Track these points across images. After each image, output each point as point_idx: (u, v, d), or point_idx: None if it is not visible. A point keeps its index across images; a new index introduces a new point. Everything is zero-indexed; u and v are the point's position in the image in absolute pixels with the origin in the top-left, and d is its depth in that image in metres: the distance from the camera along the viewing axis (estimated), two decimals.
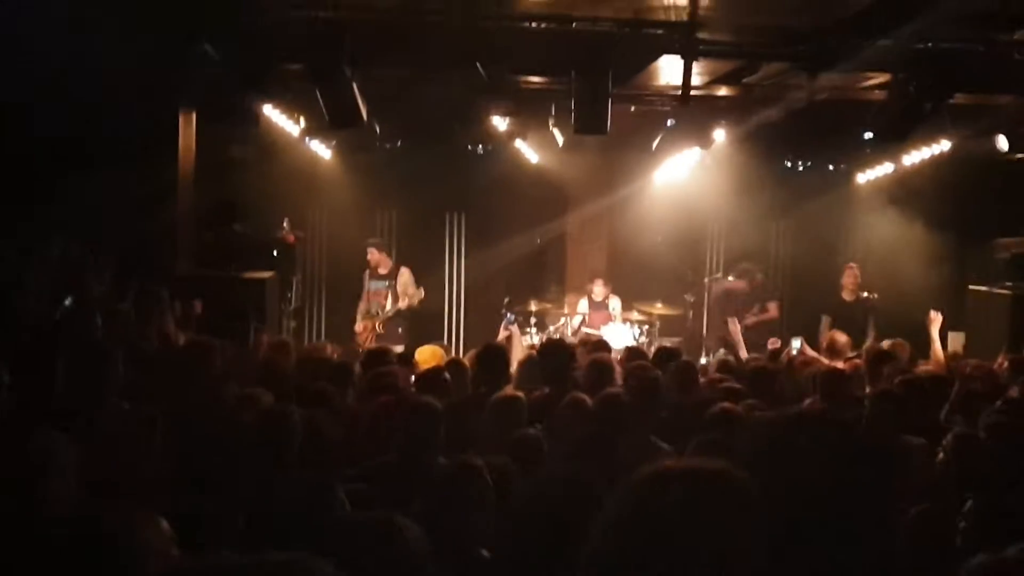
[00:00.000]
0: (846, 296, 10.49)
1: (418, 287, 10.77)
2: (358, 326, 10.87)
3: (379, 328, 10.71)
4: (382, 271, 10.94)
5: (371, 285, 10.95)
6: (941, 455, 4.15)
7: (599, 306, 11.33)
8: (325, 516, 3.13)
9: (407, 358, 7.24)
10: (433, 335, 11.03)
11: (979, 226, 10.84)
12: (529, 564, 2.69)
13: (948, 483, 4.06)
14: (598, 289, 11.34)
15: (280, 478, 3.83)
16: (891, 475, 1.52)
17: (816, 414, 1.92)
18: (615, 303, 11.35)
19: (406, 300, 10.66)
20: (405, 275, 10.91)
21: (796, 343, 10.40)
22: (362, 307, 10.99)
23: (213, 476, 3.99)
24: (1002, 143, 9.52)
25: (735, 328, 10.89)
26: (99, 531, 2.39)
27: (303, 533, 3.14)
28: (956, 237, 11.30)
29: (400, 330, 10.74)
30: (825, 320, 10.24)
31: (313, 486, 3.38)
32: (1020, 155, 9.75)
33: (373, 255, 10.93)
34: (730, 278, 11.64)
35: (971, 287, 10.26)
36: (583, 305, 11.51)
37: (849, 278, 10.57)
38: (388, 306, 10.77)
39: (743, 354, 9.41)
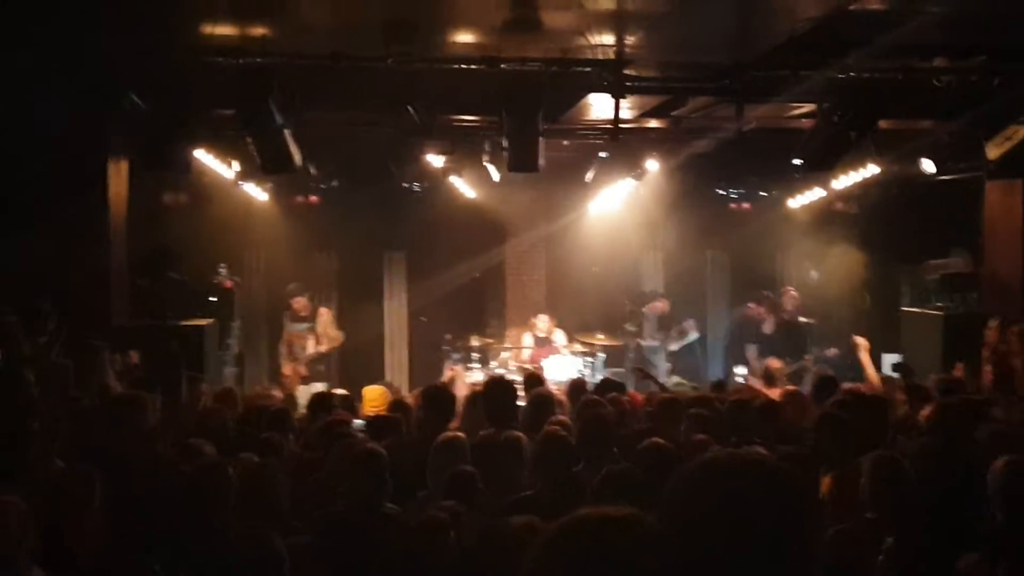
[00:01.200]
0: (786, 317, 10.69)
1: (338, 329, 10.88)
2: (285, 369, 10.98)
3: (303, 371, 10.80)
4: (303, 314, 11.05)
5: (292, 327, 11.09)
6: (862, 479, 4.23)
7: (543, 341, 11.36)
8: None
9: (349, 401, 7.18)
10: (373, 373, 10.96)
11: (909, 248, 11.12)
12: None
13: (868, 503, 4.14)
14: (542, 324, 11.37)
15: (222, 536, 3.76)
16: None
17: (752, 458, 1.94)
18: (559, 336, 11.39)
19: (326, 343, 10.81)
20: (325, 316, 11.15)
21: (740, 371, 10.54)
22: (284, 350, 11.10)
23: (151, 535, 3.90)
24: (927, 166, 9.79)
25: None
26: None
27: None
28: (887, 260, 11.59)
29: (323, 368, 10.99)
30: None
31: (255, 546, 3.32)
32: (945, 177, 10.04)
33: (298, 302, 11.05)
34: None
35: (904, 308, 10.51)
36: (527, 340, 11.53)
37: (788, 302, 10.77)
38: (310, 348, 10.87)
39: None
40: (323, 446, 5.31)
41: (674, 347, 11.57)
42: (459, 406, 6.39)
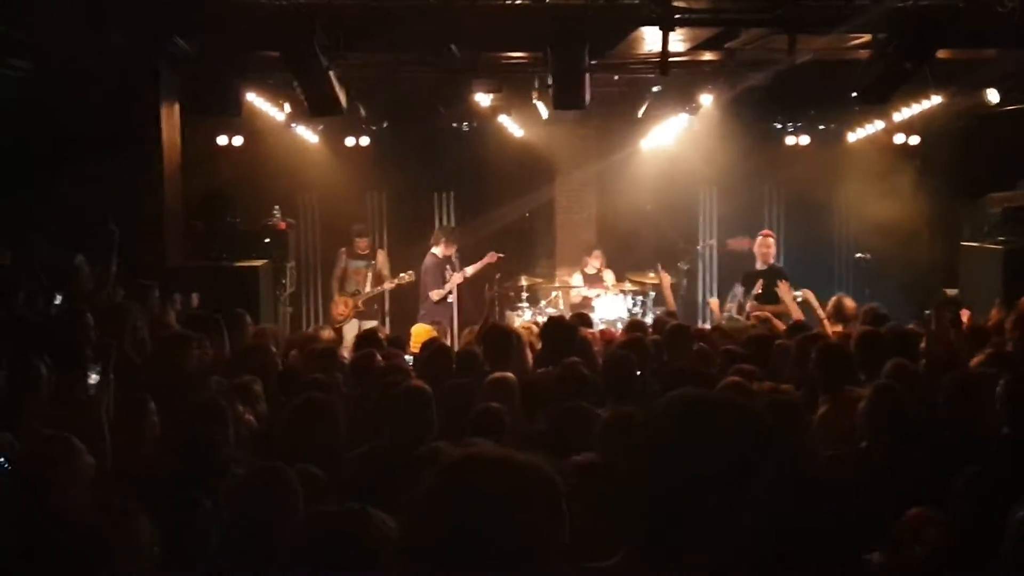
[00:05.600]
0: (758, 266, 9.75)
1: (405, 270, 10.93)
2: (340, 305, 11.09)
3: (360, 306, 11.01)
4: (362, 252, 11.18)
5: (351, 264, 11.20)
6: (862, 403, 4.24)
7: (593, 279, 11.31)
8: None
9: (400, 341, 7.27)
10: None
11: (972, 181, 10.78)
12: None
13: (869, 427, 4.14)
14: (594, 262, 11.31)
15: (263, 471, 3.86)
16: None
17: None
18: (608, 275, 11.33)
19: (391, 282, 10.97)
20: (383, 257, 11.33)
21: (798, 294, 9.97)
22: (336, 285, 11.25)
23: (202, 469, 4.03)
24: (992, 96, 9.46)
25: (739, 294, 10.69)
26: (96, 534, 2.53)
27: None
28: (949, 193, 11.26)
29: (376, 306, 11.28)
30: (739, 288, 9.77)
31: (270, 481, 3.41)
32: (1010, 108, 9.68)
33: (360, 243, 11.19)
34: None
35: (964, 243, 10.24)
36: (577, 279, 11.48)
37: (761, 247, 9.86)
38: (368, 287, 11.03)
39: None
40: (361, 382, 5.39)
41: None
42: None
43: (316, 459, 3.86)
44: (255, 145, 10.72)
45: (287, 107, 9.97)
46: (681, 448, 1.65)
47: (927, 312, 7.72)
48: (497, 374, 5.16)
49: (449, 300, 10.63)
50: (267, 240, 9.96)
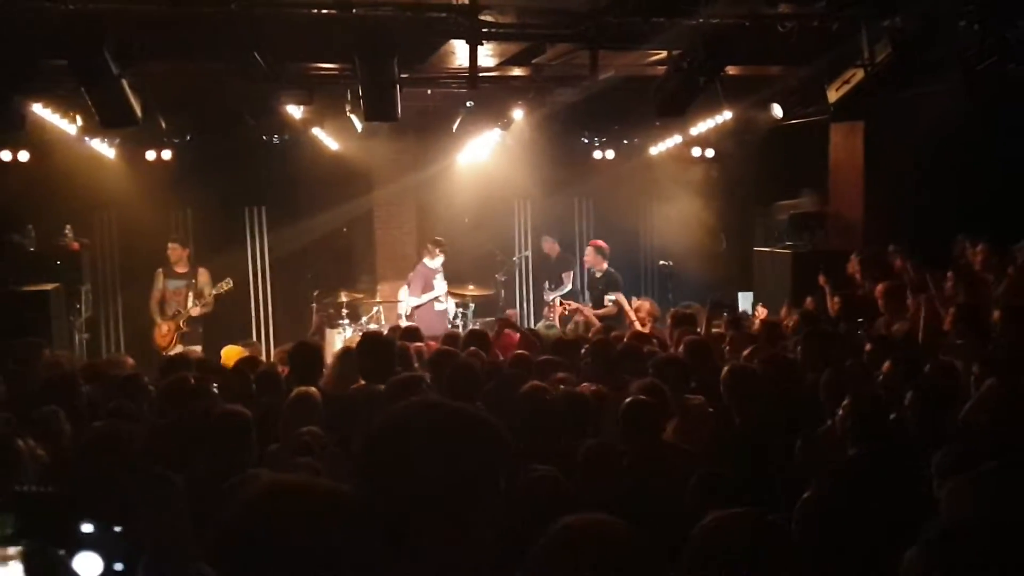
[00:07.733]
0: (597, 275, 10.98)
1: (220, 283, 10.50)
2: (162, 328, 10.41)
3: (183, 327, 10.37)
4: (180, 270, 10.55)
5: (169, 285, 10.52)
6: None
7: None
8: None
9: (209, 364, 6.97)
10: (238, 334, 10.68)
11: (762, 191, 11.54)
12: None
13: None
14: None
15: None
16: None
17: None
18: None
19: (201, 305, 10.40)
20: (204, 275, 10.63)
21: (611, 297, 10.57)
22: (155, 307, 10.54)
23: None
24: (776, 111, 10.13)
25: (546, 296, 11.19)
26: None
27: None
28: (742, 202, 12.00)
29: (200, 329, 10.55)
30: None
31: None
32: (794, 121, 10.40)
33: (176, 251, 10.49)
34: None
35: (756, 248, 10.93)
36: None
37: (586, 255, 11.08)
38: (190, 305, 10.41)
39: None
40: (173, 410, 5.13)
41: (550, 297, 11.57)
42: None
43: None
44: (44, 160, 9.98)
45: (79, 120, 9.35)
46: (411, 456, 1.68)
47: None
48: (300, 389, 5.04)
49: (437, 308, 10.97)
50: (59, 262, 9.37)
